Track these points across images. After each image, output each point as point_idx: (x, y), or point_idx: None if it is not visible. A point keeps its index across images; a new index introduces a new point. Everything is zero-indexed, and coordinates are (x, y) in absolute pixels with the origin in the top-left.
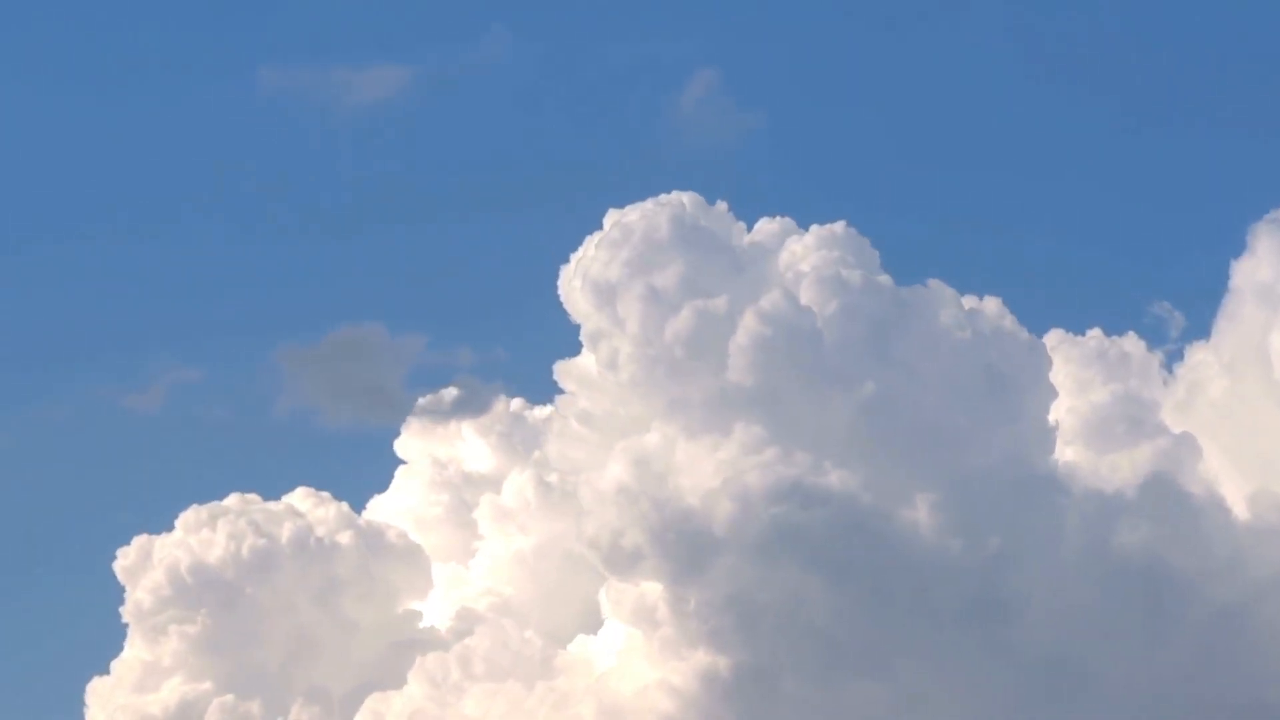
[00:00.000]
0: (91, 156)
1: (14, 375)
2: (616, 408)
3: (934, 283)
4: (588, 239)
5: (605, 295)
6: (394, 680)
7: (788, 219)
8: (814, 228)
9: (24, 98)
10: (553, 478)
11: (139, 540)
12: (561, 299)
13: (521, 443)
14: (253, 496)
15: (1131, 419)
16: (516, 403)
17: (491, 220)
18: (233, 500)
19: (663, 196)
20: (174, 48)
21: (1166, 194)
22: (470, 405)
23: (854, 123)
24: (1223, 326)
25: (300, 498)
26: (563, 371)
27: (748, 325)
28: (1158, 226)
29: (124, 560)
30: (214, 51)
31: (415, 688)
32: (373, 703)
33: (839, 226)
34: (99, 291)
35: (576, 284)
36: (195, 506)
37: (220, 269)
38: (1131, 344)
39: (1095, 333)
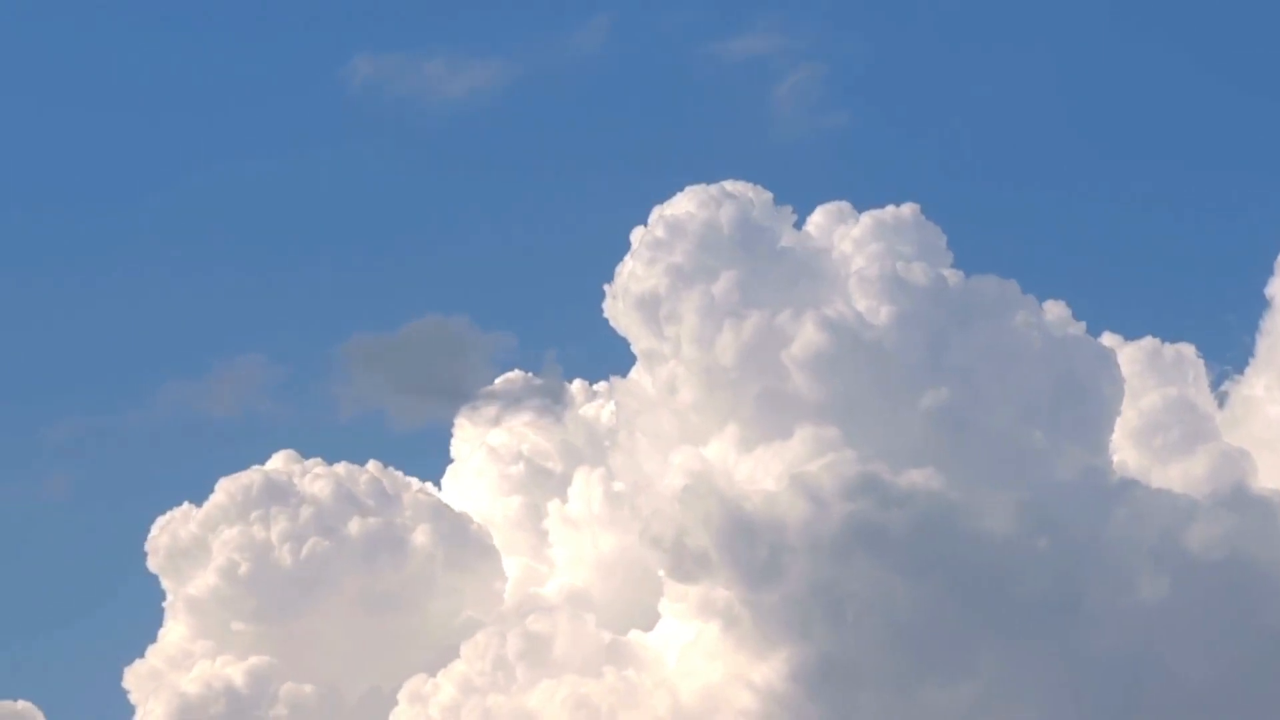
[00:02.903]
0: (175, 142)
1: (87, 376)
2: (678, 421)
3: (1007, 284)
4: (632, 246)
5: (654, 311)
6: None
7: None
8: (876, 212)
9: (107, 80)
10: (618, 486)
11: (168, 518)
12: (608, 319)
13: (588, 443)
14: (313, 462)
15: (1184, 425)
16: (579, 390)
17: (581, 216)
18: (280, 461)
19: (706, 188)
20: (272, 32)
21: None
22: (537, 400)
23: (932, 127)
24: (1265, 341)
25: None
26: (620, 390)
27: (809, 332)
28: (1222, 235)
29: (155, 557)
30: (311, 38)
31: (465, 667)
32: (416, 685)
33: (907, 209)
34: (186, 280)
35: (620, 305)
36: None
37: (302, 257)
38: (1184, 351)
39: (1150, 340)
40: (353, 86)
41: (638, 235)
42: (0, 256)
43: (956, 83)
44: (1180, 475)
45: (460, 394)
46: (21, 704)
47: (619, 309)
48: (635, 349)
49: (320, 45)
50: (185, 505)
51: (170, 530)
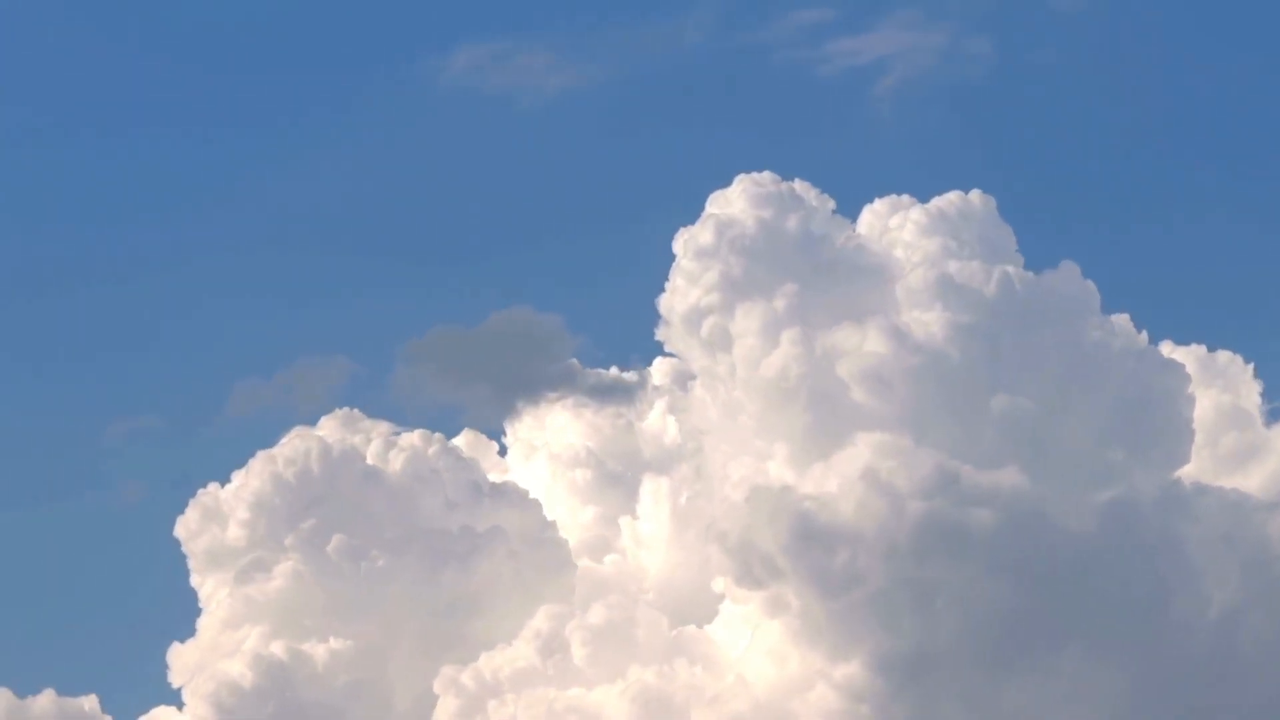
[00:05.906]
0: (266, 129)
1: (162, 380)
2: (744, 439)
3: (1086, 289)
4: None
5: (706, 327)
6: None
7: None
8: (939, 201)
9: (190, 71)
10: (683, 500)
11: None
12: (661, 341)
13: (655, 450)
14: (383, 425)
15: (1240, 433)
16: (653, 382)
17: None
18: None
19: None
20: (374, 20)
21: None
22: (609, 397)
23: (1009, 137)
24: None
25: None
26: (681, 407)
27: (874, 341)
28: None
29: (187, 537)
30: (412, 30)
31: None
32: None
33: (975, 197)
34: (273, 277)
35: (672, 330)
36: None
37: (387, 249)
38: (1234, 358)
39: (1198, 347)
40: (450, 76)
41: (681, 242)
42: (80, 260)
43: (1058, 94)
44: (1238, 483)
45: (537, 391)
46: (88, 703)
47: (671, 332)
48: (693, 368)
49: (422, 34)
50: (212, 486)
51: (210, 533)
